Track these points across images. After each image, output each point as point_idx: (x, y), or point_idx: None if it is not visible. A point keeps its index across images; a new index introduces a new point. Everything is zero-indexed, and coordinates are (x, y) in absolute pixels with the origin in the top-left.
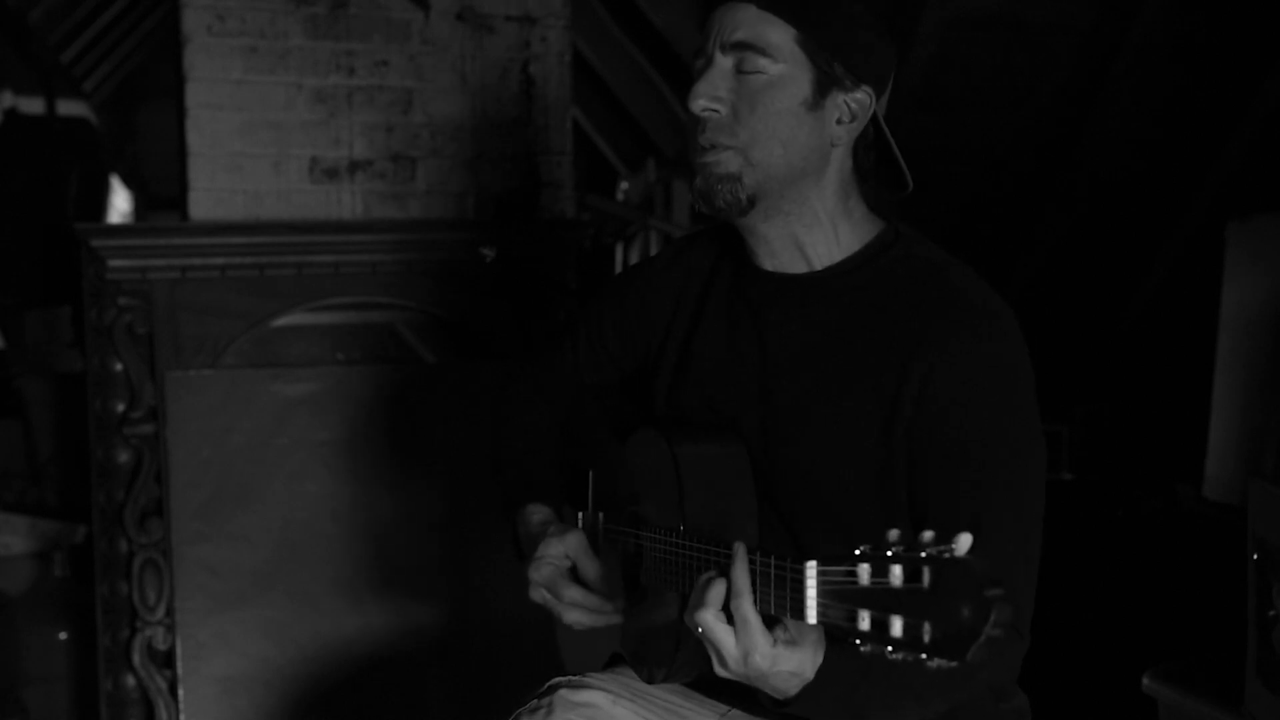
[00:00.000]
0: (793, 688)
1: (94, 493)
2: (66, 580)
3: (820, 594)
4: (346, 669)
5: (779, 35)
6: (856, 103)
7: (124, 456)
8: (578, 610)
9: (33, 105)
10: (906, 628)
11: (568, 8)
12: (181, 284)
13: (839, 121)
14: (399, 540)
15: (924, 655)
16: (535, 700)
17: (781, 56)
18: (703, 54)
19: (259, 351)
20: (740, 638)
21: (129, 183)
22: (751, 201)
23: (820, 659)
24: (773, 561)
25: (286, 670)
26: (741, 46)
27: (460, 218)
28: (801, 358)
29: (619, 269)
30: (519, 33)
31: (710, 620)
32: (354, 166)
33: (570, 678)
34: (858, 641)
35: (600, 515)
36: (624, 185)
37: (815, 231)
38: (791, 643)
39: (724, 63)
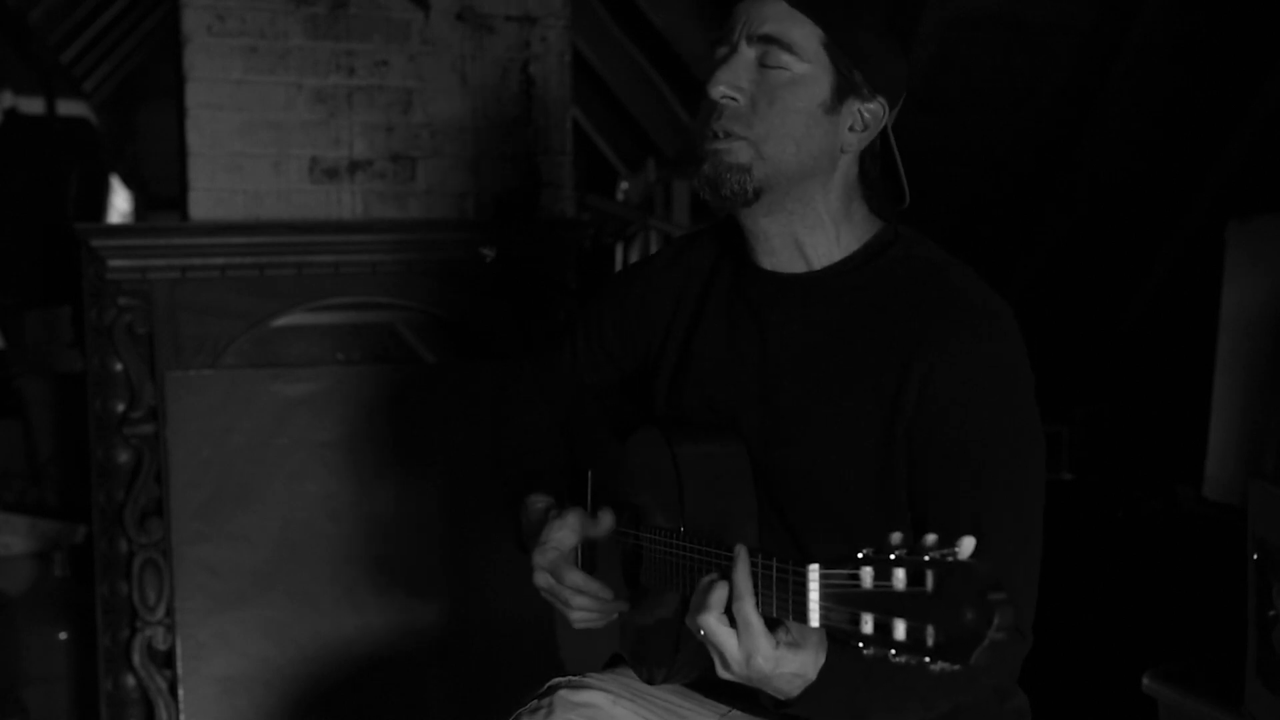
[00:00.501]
0: (795, 689)
1: (94, 493)
2: (66, 580)
3: (823, 597)
4: (346, 669)
5: (806, 35)
6: (870, 113)
7: (124, 456)
8: (581, 599)
9: (33, 105)
10: (910, 631)
11: (568, 8)
12: (181, 284)
13: (852, 129)
14: (399, 540)
15: (928, 658)
16: (535, 700)
17: (806, 56)
18: (726, 42)
19: (259, 351)
20: (743, 640)
21: (129, 183)
22: (757, 194)
23: (823, 660)
24: (775, 564)
25: (286, 670)
26: (768, 40)
27: (460, 218)
28: (802, 357)
29: (619, 269)
30: (519, 33)
31: (712, 623)
32: (354, 166)
33: (570, 678)
34: (861, 645)
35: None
36: (624, 185)
37: (816, 232)
38: (794, 645)
39: (748, 53)
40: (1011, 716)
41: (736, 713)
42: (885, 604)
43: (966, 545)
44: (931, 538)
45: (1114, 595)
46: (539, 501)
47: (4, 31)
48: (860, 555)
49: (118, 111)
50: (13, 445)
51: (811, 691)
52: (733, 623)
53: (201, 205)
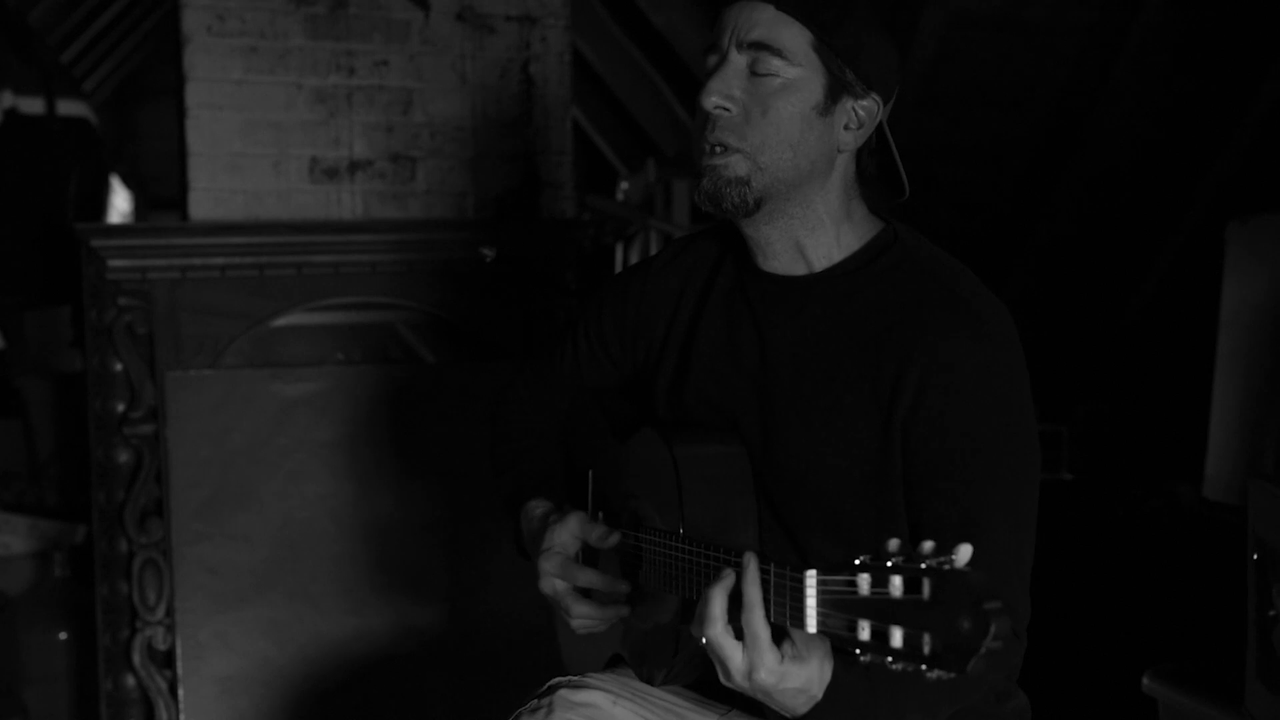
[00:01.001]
0: (800, 705)
1: (94, 493)
2: (66, 580)
3: (820, 603)
4: (346, 669)
5: (795, 38)
6: (865, 110)
7: (124, 456)
8: (586, 604)
9: (33, 105)
10: (906, 639)
11: (568, 8)
12: (181, 284)
13: (847, 127)
14: (399, 540)
15: (924, 666)
16: (535, 700)
17: (797, 60)
18: (717, 50)
19: (259, 351)
20: (748, 652)
21: (129, 183)
22: (758, 204)
23: (828, 675)
24: (772, 569)
25: (286, 670)
26: (758, 46)
27: (460, 218)
28: (801, 358)
29: (619, 269)
30: (519, 33)
31: (717, 636)
32: (354, 166)
33: (570, 678)
34: (858, 651)
35: (600, 516)
36: (624, 185)
37: (817, 234)
38: (798, 658)
39: (738, 61)
40: (1011, 717)
41: (737, 713)
42: (882, 611)
43: (963, 553)
44: (928, 545)
45: (1114, 595)
46: (538, 508)
47: (4, 31)
48: (857, 562)
49: (118, 111)
50: (13, 445)
51: (818, 712)
52: (738, 633)
53: (201, 205)
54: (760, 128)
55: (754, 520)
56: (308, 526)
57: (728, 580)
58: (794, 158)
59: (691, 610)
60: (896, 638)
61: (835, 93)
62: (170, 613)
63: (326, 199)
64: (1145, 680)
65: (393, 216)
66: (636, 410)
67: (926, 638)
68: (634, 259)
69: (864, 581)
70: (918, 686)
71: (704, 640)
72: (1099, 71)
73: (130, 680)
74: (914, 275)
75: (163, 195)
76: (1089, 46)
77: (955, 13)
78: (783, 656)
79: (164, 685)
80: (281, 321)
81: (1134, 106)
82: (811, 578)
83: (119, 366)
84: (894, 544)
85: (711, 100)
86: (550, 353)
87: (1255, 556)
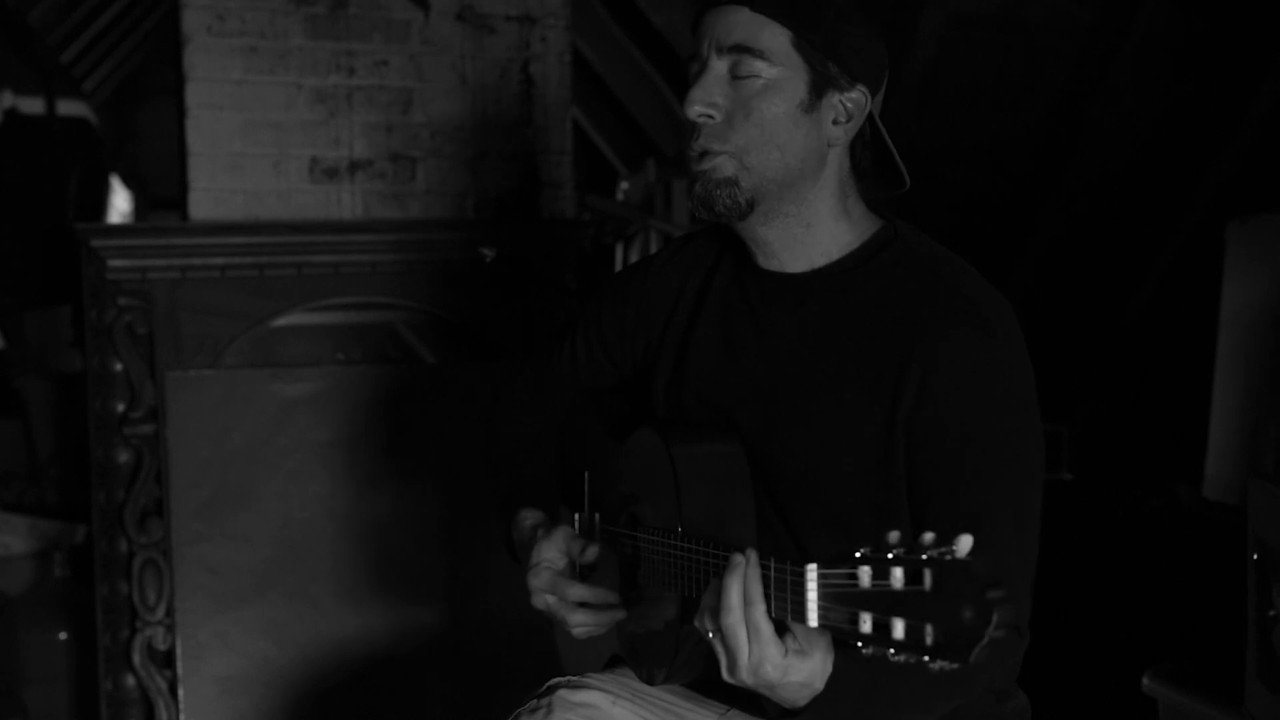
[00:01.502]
0: (802, 699)
1: (94, 493)
2: (66, 580)
3: (821, 596)
4: (346, 669)
5: (774, 38)
6: (852, 102)
7: (124, 456)
8: (583, 613)
9: (33, 105)
10: (908, 630)
11: (568, 8)
12: (181, 284)
13: (835, 122)
14: (399, 540)
15: (926, 657)
16: (535, 700)
17: (777, 60)
18: (697, 58)
19: (259, 351)
20: (752, 647)
21: (129, 183)
22: (751, 205)
23: (829, 669)
24: (773, 564)
25: (286, 670)
26: (737, 50)
27: (460, 218)
28: (800, 355)
29: (618, 269)
30: (519, 33)
31: (734, 625)
32: (354, 166)
33: (570, 678)
34: (860, 644)
35: (596, 516)
36: (624, 185)
37: (815, 230)
38: (801, 653)
39: (719, 66)
40: (1011, 717)
41: (736, 712)
42: (884, 603)
43: (964, 544)
44: (929, 536)
45: (1114, 595)
46: (528, 518)
47: (4, 31)
48: (858, 554)
49: (118, 111)
50: (13, 445)
51: (817, 703)
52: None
53: (201, 205)
54: (744, 130)
55: (752, 519)
56: (307, 526)
57: (739, 569)
58: (782, 157)
59: (691, 609)
60: (899, 629)
61: (820, 88)
62: (170, 613)
63: (326, 199)
64: (1145, 680)
65: (393, 216)
66: (634, 409)
67: (929, 628)
68: (634, 259)
69: (865, 574)
70: (919, 678)
71: (716, 631)
72: (1099, 72)
73: (130, 680)
74: (915, 271)
75: (163, 195)
76: (1089, 46)
77: (955, 13)
78: (786, 651)
79: (164, 685)
80: (281, 321)
81: (1134, 107)
82: (812, 571)
83: (119, 366)
84: (894, 536)
85: (694, 109)
86: (549, 353)
87: (1255, 556)
